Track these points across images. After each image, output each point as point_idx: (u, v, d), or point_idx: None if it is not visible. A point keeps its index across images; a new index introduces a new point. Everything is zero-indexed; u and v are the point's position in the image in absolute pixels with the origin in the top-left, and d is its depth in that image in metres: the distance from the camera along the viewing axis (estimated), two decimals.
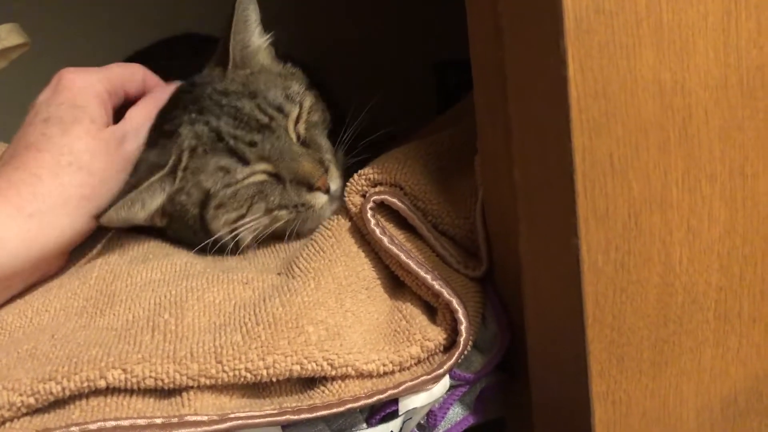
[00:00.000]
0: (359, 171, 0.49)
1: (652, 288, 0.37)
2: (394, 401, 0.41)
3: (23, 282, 0.48)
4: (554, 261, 0.38)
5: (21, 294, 0.48)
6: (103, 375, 0.37)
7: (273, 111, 0.58)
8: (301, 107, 0.59)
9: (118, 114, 0.57)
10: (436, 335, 0.43)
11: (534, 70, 0.37)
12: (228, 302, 0.44)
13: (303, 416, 0.39)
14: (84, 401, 0.37)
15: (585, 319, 0.36)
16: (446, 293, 0.44)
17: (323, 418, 0.40)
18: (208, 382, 0.39)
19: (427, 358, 0.43)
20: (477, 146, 0.46)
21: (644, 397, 0.38)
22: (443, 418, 0.44)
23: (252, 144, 0.56)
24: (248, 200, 0.56)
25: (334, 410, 0.39)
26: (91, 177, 0.50)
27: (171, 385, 0.38)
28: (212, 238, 0.54)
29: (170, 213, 0.56)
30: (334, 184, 0.57)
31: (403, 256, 0.45)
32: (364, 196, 0.49)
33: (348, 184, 0.49)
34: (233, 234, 0.55)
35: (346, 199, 0.49)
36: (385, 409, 0.41)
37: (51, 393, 0.37)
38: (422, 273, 0.45)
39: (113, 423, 0.36)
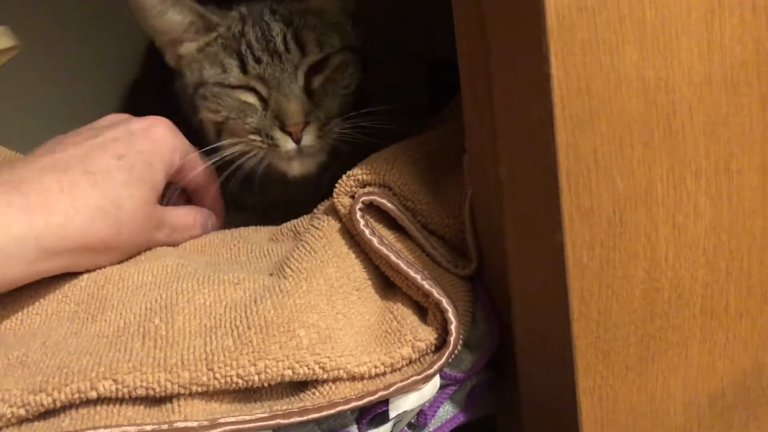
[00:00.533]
0: (348, 172, 0.49)
1: (638, 284, 0.37)
2: (384, 402, 0.41)
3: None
4: (540, 258, 0.38)
5: (10, 294, 0.47)
6: (94, 386, 0.37)
7: (293, 46, 0.60)
8: (326, 60, 0.61)
9: None
10: (427, 335, 0.44)
11: (517, 68, 0.37)
12: (219, 304, 0.44)
13: (294, 419, 0.39)
14: (74, 410, 0.37)
15: (571, 315, 0.36)
16: (436, 293, 0.44)
17: (314, 420, 0.40)
18: (199, 389, 0.39)
19: (419, 358, 0.43)
20: (465, 145, 0.47)
21: (631, 392, 0.38)
22: (433, 416, 0.44)
23: (258, 61, 0.59)
24: (231, 111, 0.60)
25: (325, 412, 0.39)
26: (119, 236, 0.48)
27: (162, 394, 0.38)
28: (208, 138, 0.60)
29: (181, 67, 0.62)
30: (307, 140, 0.59)
31: (392, 257, 0.45)
32: (353, 197, 0.49)
33: (337, 185, 0.49)
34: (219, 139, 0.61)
35: (335, 200, 0.49)
36: (376, 410, 0.41)
37: (42, 404, 0.37)
38: (412, 273, 0.45)
39: (103, 431, 0.36)
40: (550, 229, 0.36)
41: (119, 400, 0.38)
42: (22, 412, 0.37)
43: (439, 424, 0.44)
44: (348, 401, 0.40)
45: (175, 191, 0.58)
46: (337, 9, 0.66)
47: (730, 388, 0.41)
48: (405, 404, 0.41)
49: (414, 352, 0.43)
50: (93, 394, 0.37)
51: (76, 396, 0.37)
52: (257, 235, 0.59)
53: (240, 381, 0.39)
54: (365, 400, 0.40)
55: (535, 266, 0.39)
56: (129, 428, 0.37)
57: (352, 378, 0.41)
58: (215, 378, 0.39)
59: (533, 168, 0.37)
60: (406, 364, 0.43)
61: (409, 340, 0.43)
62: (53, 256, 0.44)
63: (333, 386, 0.41)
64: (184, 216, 0.55)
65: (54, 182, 0.45)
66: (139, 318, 0.43)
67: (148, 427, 0.37)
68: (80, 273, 0.48)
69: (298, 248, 0.48)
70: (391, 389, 0.41)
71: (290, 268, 0.46)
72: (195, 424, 0.37)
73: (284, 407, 0.39)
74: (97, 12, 0.76)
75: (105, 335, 0.42)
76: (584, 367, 0.37)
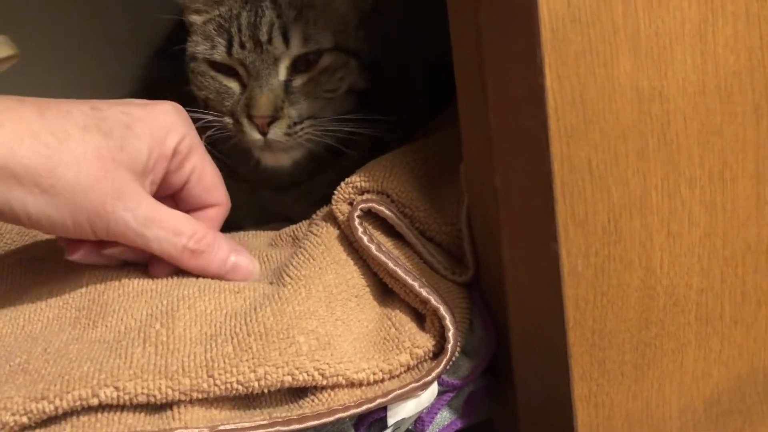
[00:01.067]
0: (346, 179, 0.50)
1: (633, 291, 0.38)
2: (382, 408, 0.42)
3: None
4: (535, 266, 0.38)
5: (11, 299, 0.48)
6: (95, 393, 0.37)
7: (278, 37, 0.60)
8: (315, 58, 0.60)
9: None
10: (425, 342, 0.44)
11: (512, 79, 0.37)
12: (219, 311, 0.44)
13: (293, 426, 0.39)
14: (75, 417, 0.38)
15: (566, 323, 0.36)
16: (434, 300, 0.44)
17: (313, 428, 0.40)
18: (199, 396, 0.39)
19: (417, 365, 0.44)
20: (461, 153, 0.47)
21: (627, 399, 0.39)
22: (431, 422, 0.44)
23: (242, 45, 0.59)
24: (211, 92, 0.61)
25: (324, 420, 0.40)
26: (52, 173, 0.40)
27: (163, 400, 0.39)
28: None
29: (189, 35, 0.64)
30: (274, 135, 0.59)
31: (390, 264, 0.46)
32: (351, 203, 0.49)
33: (335, 192, 0.50)
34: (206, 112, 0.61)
35: (334, 207, 0.50)
36: (374, 416, 0.42)
37: (44, 412, 0.37)
38: (410, 280, 0.45)
39: None
40: (545, 238, 0.36)
41: (120, 407, 0.39)
42: (24, 419, 0.37)
43: (437, 430, 0.45)
44: (347, 408, 0.40)
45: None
46: (345, 8, 0.65)
47: (725, 394, 0.41)
48: (403, 411, 0.42)
49: (412, 359, 0.43)
50: (94, 401, 0.38)
51: (78, 403, 0.38)
52: (257, 240, 0.60)
53: (240, 387, 0.39)
54: (363, 408, 0.40)
55: (530, 274, 0.40)
56: None
57: (351, 385, 0.42)
58: (215, 384, 0.39)
59: (528, 177, 0.37)
60: (405, 371, 0.43)
61: (407, 347, 0.43)
62: None
63: (332, 393, 0.41)
64: (176, 218, 0.46)
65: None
66: (140, 323, 0.43)
67: None
68: (81, 279, 0.48)
69: (296, 255, 0.49)
70: (390, 396, 0.41)
71: (289, 275, 0.46)
72: (195, 431, 0.38)
73: (283, 414, 0.40)
74: (98, 21, 0.76)
75: (106, 341, 0.42)
76: (580, 374, 0.37)
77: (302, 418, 0.39)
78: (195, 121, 0.54)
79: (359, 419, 0.42)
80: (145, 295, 0.47)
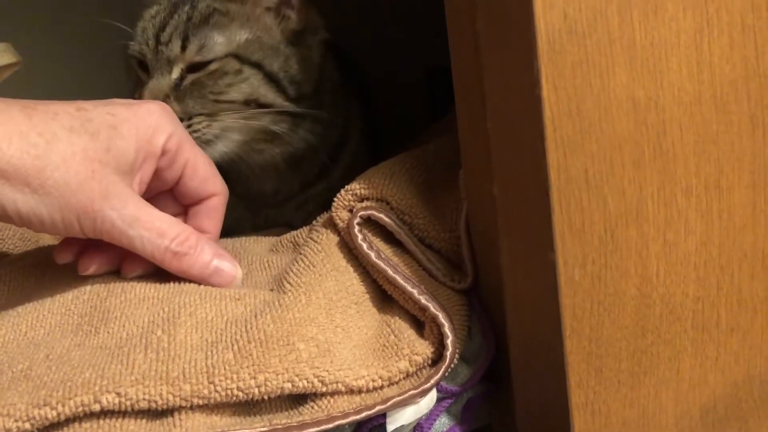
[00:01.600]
0: (346, 186, 0.50)
1: (630, 300, 0.38)
2: (381, 415, 0.42)
3: None
4: (533, 275, 0.39)
5: (14, 305, 0.48)
6: (97, 399, 0.38)
7: (176, 40, 0.61)
8: (207, 63, 0.61)
9: None
10: (424, 349, 0.44)
11: (510, 90, 0.38)
12: (220, 318, 0.45)
13: None
14: (77, 423, 0.38)
15: (563, 331, 0.37)
16: (432, 307, 0.45)
17: None
18: (200, 402, 0.39)
19: (416, 372, 0.44)
20: (460, 160, 0.47)
21: (623, 406, 0.39)
22: (430, 428, 0.45)
23: (147, 44, 0.62)
24: (130, 81, 0.64)
25: (323, 426, 0.40)
26: (41, 174, 0.42)
27: (164, 406, 0.39)
28: None
29: None
30: None
31: (390, 271, 0.46)
32: (351, 211, 0.50)
33: (335, 199, 0.50)
34: None
35: (334, 214, 0.50)
36: (373, 423, 0.42)
37: (46, 418, 0.37)
38: (409, 287, 0.45)
39: None
40: (542, 247, 0.37)
41: (122, 413, 0.39)
42: (27, 426, 0.37)
43: None
44: (346, 415, 0.40)
45: None
46: (269, 21, 0.65)
47: (721, 401, 0.41)
48: (402, 418, 0.42)
49: (411, 366, 0.44)
50: (96, 407, 0.38)
51: (80, 409, 0.38)
52: (257, 246, 0.60)
53: (240, 394, 0.40)
54: (363, 414, 0.41)
55: (528, 283, 0.40)
56: None
57: (351, 391, 0.42)
58: (216, 391, 0.39)
59: (526, 187, 0.38)
60: (404, 378, 0.44)
61: (407, 354, 0.44)
62: None
63: (331, 400, 0.41)
64: (161, 220, 0.46)
65: None
66: (142, 330, 0.44)
67: None
68: (84, 285, 0.49)
69: (297, 262, 0.49)
70: (389, 403, 0.41)
71: (289, 282, 0.47)
72: None
73: (283, 421, 0.40)
74: (100, 29, 0.77)
75: (107, 347, 0.43)
76: (577, 382, 0.38)
77: (302, 425, 0.39)
78: None
79: (359, 426, 0.43)
80: (146, 301, 0.47)
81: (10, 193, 0.42)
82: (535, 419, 0.43)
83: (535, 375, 0.42)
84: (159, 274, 0.51)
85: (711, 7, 0.37)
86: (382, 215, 0.49)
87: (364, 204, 0.49)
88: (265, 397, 0.40)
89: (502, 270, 0.42)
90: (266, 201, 0.73)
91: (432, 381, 0.43)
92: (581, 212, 0.36)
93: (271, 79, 0.65)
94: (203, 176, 0.51)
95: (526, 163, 0.37)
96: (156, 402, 0.38)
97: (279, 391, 0.40)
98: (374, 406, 0.41)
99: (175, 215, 0.50)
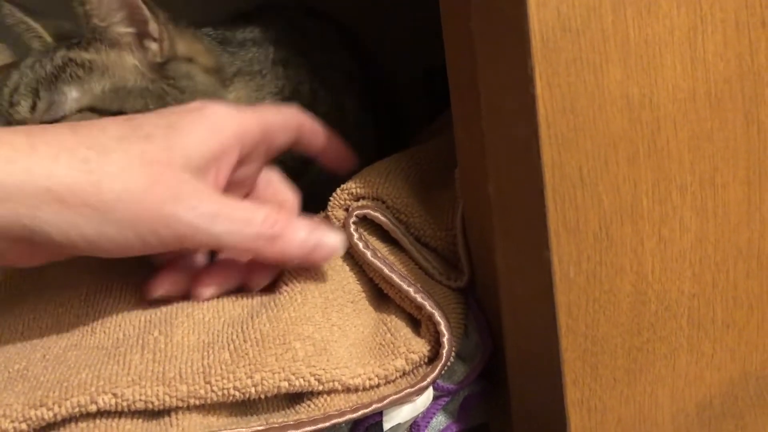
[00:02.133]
0: (342, 185, 0.50)
1: (625, 297, 0.38)
2: (378, 413, 0.42)
3: None
4: (528, 273, 0.39)
5: (10, 306, 0.48)
6: (93, 400, 0.38)
7: (26, 101, 0.54)
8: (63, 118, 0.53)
9: None
10: (421, 347, 0.44)
11: (504, 88, 0.38)
12: (217, 319, 0.45)
13: None
14: (74, 423, 0.38)
15: (558, 329, 0.37)
16: (428, 306, 0.45)
17: None
18: (197, 402, 0.39)
19: (412, 370, 0.44)
20: (456, 159, 0.47)
21: (619, 403, 0.39)
22: (426, 427, 0.45)
23: (1, 104, 0.55)
24: None
25: (320, 425, 0.40)
26: (98, 188, 0.38)
27: (160, 407, 0.39)
28: None
29: None
30: None
31: (386, 270, 0.46)
32: (347, 210, 0.50)
33: (331, 198, 0.50)
34: None
35: (330, 213, 0.50)
36: (369, 421, 0.42)
37: (43, 419, 0.37)
38: (405, 286, 0.46)
39: None
40: (537, 245, 0.37)
41: (118, 414, 0.39)
42: (23, 426, 0.37)
43: None
44: (342, 413, 0.40)
45: None
46: (129, 62, 0.58)
47: (717, 398, 0.41)
48: (399, 416, 0.42)
49: (407, 364, 0.44)
50: (93, 408, 0.38)
51: (77, 410, 0.38)
52: None
53: (237, 393, 0.40)
54: (359, 413, 0.41)
55: (523, 281, 0.40)
56: None
57: (347, 390, 0.42)
58: (212, 391, 0.39)
59: (520, 185, 0.38)
60: (400, 376, 0.44)
61: (403, 353, 0.44)
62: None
63: (328, 398, 0.42)
64: (243, 207, 0.42)
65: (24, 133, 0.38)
66: (139, 330, 0.44)
67: None
68: (81, 286, 0.49)
69: None
70: (385, 401, 0.41)
71: (285, 282, 0.47)
72: None
73: (280, 420, 0.40)
74: None
75: (104, 347, 0.43)
76: (572, 379, 0.38)
77: (298, 424, 0.40)
78: None
79: (355, 424, 0.43)
80: (144, 302, 0.47)
81: (71, 218, 0.37)
82: (532, 417, 0.43)
83: (531, 373, 0.42)
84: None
85: (705, 4, 0.37)
86: (377, 214, 0.49)
87: (360, 203, 0.49)
88: (262, 397, 0.40)
89: (497, 268, 0.42)
90: None
91: (428, 379, 0.43)
92: (576, 210, 0.36)
93: None
94: (282, 125, 0.48)
95: (520, 161, 0.37)
96: (152, 403, 0.38)
97: (275, 390, 0.40)
98: (371, 404, 0.41)
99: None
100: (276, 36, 0.69)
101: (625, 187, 0.37)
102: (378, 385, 0.43)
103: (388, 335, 0.45)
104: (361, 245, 0.48)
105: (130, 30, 0.57)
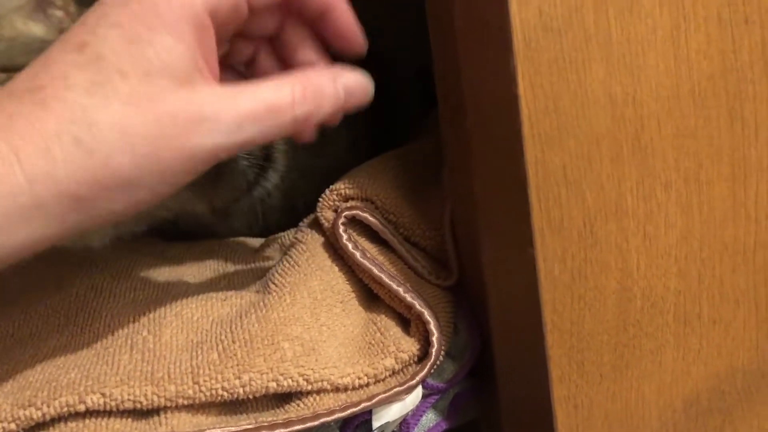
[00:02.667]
0: (331, 186, 0.50)
1: (611, 294, 0.38)
2: (367, 412, 0.42)
3: None
4: (513, 271, 0.39)
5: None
6: (82, 399, 0.38)
7: None
8: None
9: None
10: (410, 346, 0.45)
11: (487, 87, 0.38)
12: (206, 319, 0.45)
13: (278, 431, 0.40)
14: (63, 423, 0.38)
15: (544, 326, 0.37)
16: (418, 305, 0.45)
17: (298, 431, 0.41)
18: (185, 402, 0.40)
19: (402, 369, 0.44)
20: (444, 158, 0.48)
21: (606, 399, 0.39)
22: (416, 425, 0.45)
23: None
24: None
25: (309, 424, 0.40)
26: (98, 163, 0.32)
27: (149, 407, 0.39)
28: None
29: None
30: None
31: (375, 270, 0.46)
32: (336, 211, 0.50)
33: (320, 199, 0.50)
34: None
35: (319, 214, 0.50)
36: (359, 419, 0.42)
37: (31, 419, 0.38)
38: (394, 286, 0.46)
39: None
40: (522, 243, 0.37)
41: (107, 413, 0.39)
42: (12, 426, 0.38)
43: None
44: (332, 412, 0.41)
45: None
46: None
47: (704, 393, 0.42)
48: (388, 415, 0.42)
49: (397, 363, 0.44)
50: (81, 408, 0.38)
51: (65, 409, 0.38)
52: (244, 246, 0.60)
53: (225, 394, 0.40)
54: (348, 411, 0.41)
55: (509, 279, 0.40)
56: None
57: (336, 389, 0.42)
58: (201, 391, 0.40)
59: (504, 184, 0.38)
60: (390, 375, 0.44)
61: (392, 352, 0.44)
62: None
63: (317, 397, 0.42)
64: (262, 96, 0.36)
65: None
66: (128, 330, 0.44)
67: None
68: (71, 286, 0.49)
69: (281, 262, 0.49)
70: (374, 400, 0.42)
71: (274, 282, 0.47)
72: None
73: (269, 419, 0.40)
74: None
75: (93, 347, 0.43)
76: (559, 376, 0.38)
77: (288, 423, 0.40)
78: None
79: (344, 423, 0.43)
80: (133, 302, 0.47)
81: (103, 206, 0.33)
82: (520, 413, 0.43)
83: (518, 370, 0.42)
84: (146, 273, 0.51)
85: (687, 2, 0.37)
86: (366, 215, 0.49)
87: (349, 204, 0.50)
88: (251, 397, 0.41)
89: (483, 266, 0.42)
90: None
91: (417, 378, 0.43)
92: (560, 208, 0.37)
93: None
94: None
95: (504, 160, 0.37)
96: (141, 402, 0.39)
97: (264, 391, 0.40)
98: (360, 403, 0.41)
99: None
100: None
101: (609, 185, 0.37)
102: (367, 384, 0.43)
103: (378, 334, 0.46)
104: (350, 246, 0.48)
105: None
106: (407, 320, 0.47)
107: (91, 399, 0.38)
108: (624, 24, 0.36)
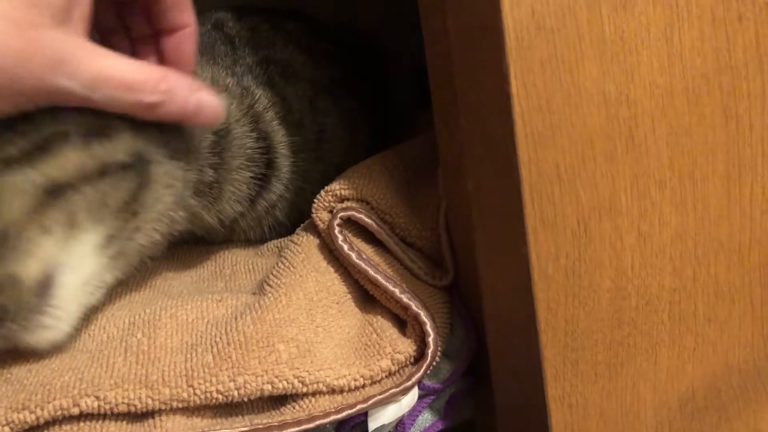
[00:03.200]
0: (326, 187, 0.50)
1: (605, 292, 0.38)
2: (363, 413, 0.42)
3: None
4: (507, 269, 0.39)
5: None
6: (76, 402, 0.38)
7: None
8: None
9: None
10: (406, 347, 0.44)
11: (480, 86, 0.38)
12: (201, 321, 0.45)
13: None
14: (57, 426, 0.38)
15: (538, 325, 0.37)
16: (414, 306, 0.45)
17: None
18: (179, 405, 0.40)
19: (398, 370, 0.44)
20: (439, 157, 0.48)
21: (601, 398, 0.39)
22: (412, 425, 0.45)
23: None
24: None
25: (304, 426, 0.40)
26: None
27: (143, 410, 0.39)
28: None
29: None
30: None
31: (371, 271, 0.46)
32: (331, 211, 0.50)
33: (315, 200, 0.50)
34: None
35: (314, 215, 0.50)
36: (354, 420, 0.42)
37: (25, 422, 0.37)
38: (390, 287, 0.46)
39: None
40: (515, 242, 0.37)
41: (101, 416, 0.39)
42: (6, 430, 0.37)
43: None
44: (327, 414, 0.41)
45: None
46: None
47: (700, 391, 0.42)
48: (383, 416, 0.42)
49: (393, 365, 0.44)
50: (75, 411, 0.38)
51: (59, 413, 0.38)
52: (242, 248, 0.60)
53: (220, 396, 0.40)
54: (344, 413, 0.41)
55: (503, 278, 0.40)
56: None
57: (332, 391, 0.42)
58: (195, 394, 0.40)
59: (498, 183, 0.38)
60: (386, 377, 0.44)
61: (389, 353, 0.44)
62: None
63: (312, 399, 0.42)
64: (124, 69, 0.39)
65: None
66: (122, 332, 0.44)
67: None
68: None
69: (277, 264, 0.49)
70: (370, 402, 0.42)
71: (269, 284, 0.47)
72: None
73: (264, 421, 0.40)
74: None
75: (88, 350, 0.43)
76: (553, 375, 0.38)
77: (282, 425, 0.40)
78: None
79: (340, 424, 0.43)
80: (128, 304, 0.47)
81: None
82: (515, 412, 0.43)
83: (513, 369, 0.42)
84: (140, 275, 0.51)
85: (681, 0, 0.37)
86: (362, 216, 0.49)
87: (344, 204, 0.50)
88: (245, 399, 0.41)
89: (478, 265, 0.42)
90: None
91: (413, 379, 0.43)
92: (553, 206, 0.36)
93: None
94: (170, 1, 0.43)
95: (497, 159, 0.37)
96: (135, 406, 0.39)
97: (259, 393, 0.40)
98: (355, 405, 0.41)
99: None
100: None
101: (603, 183, 0.37)
102: (363, 386, 0.43)
103: (374, 336, 0.45)
104: (346, 247, 0.48)
105: None
106: (403, 321, 0.47)
107: (86, 402, 0.38)
108: (617, 22, 0.36)
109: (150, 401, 0.39)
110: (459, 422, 0.47)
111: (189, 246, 0.60)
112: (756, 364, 0.42)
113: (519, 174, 0.35)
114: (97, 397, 0.38)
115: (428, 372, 0.44)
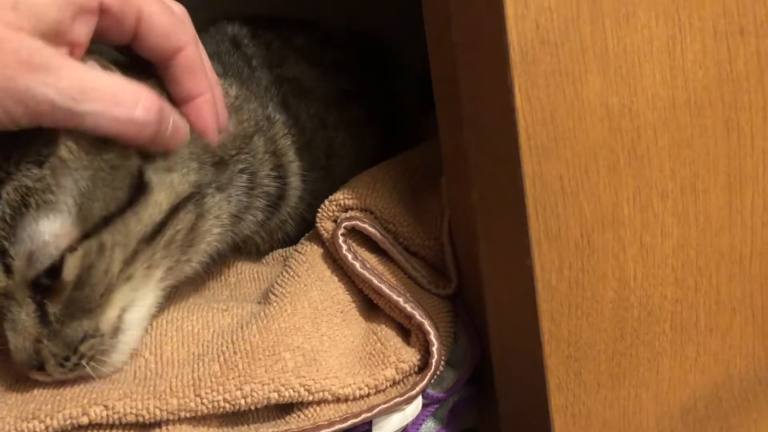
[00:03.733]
0: (330, 197, 0.51)
1: (608, 303, 0.39)
2: (368, 422, 0.42)
3: None
4: (511, 280, 0.39)
5: None
6: (85, 412, 0.38)
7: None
8: (56, 272, 0.39)
9: None
10: (410, 357, 0.45)
11: (484, 99, 0.38)
12: (206, 330, 0.45)
13: None
14: None
15: (542, 335, 0.37)
16: (418, 315, 0.45)
17: None
18: (187, 414, 0.40)
19: (402, 379, 0.45)
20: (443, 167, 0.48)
21: (603, 408, 0.40)
22: None
23: None
24: None
25: None
26: None
27: (151, 420, 0.39)
28: None
29: None
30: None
31: (375, 281, 0.47)
32: (335, 221, 0.50)
33: (319, 210, 0.51)
34: None
35: (318, 225, 0.50)
36: (359, 430, 0.42)
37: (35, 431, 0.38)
38: (394, 296, 0.46)
39: None
40: (519, 253, 0.37)
41: (110, 426, 0.40)
42: None
43: None
44: (332, 424, 0.41)
45: None
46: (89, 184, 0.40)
47: (702, 401, 0.42)
48: (388, 425, 0.42)
49: (397, 374, 0.44)
50: (84, 420, 0.39)
51: (68, 422, 0.39)
52: (247, 257, 0.61)
53: (227, 405, 0.40)
54: (348, 423, 0.41)
55: (506, 288, 0.41)
56: None
57: (337, 400, 0.43)
58: (203, 403, 0.40)
59: (502, 194, 0.38)
60: (390, 386, 0.44)
61: (393, 362, 0.44)
62: None
63: (318, 408, 0.42)
64: (113, 83, 0.37)
65: None
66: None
67: None
68: None
69: (282, 273, 0.49)
70: (375, 411, 0.42)
71: (274, 293, 0.47)
72: None
73: (270, 430, 0.41)
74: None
75: None
76: (556, 385, 0.38)
77: None
78: None
79: None
80: None
81: None
82: (518, 422, 0.43)
83: (516, 378, 0.42)
84: None
85: (683, 13, 0.38)
86: (366, 225, 0.49)
87: (348, 214, 0.50)
88: (252, 408, 0.41)
89: (482, 276, 0.43)
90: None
91: (418, 388, 0.43)
92: (557, 218, 0.37)
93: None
94: (163, 31, 0.40)
95: (502, 171, 0.38)
96: (143, 416, 0.39)
97: (265, 402, 0.41)
98: (360, 414, 0.42)
99: None
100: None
101: (606, 195, 0.38)
102: (368, 395, 0.43)
103: (378, 345, 0.46)
104: (350, 257, 0.48)
105: None
106: (407, 330, 0.47)
107: (95, 411, 0.38)
108: (620, 35, 0.37)
109: (158, 411, 0.39)
110: (462, 431, 0.47)
111: None
112: (757, 373, 0.43)
113: (523, 186, 0.36)
114: (106, 407, 0.39)
115: (432, 381, 0.44)
